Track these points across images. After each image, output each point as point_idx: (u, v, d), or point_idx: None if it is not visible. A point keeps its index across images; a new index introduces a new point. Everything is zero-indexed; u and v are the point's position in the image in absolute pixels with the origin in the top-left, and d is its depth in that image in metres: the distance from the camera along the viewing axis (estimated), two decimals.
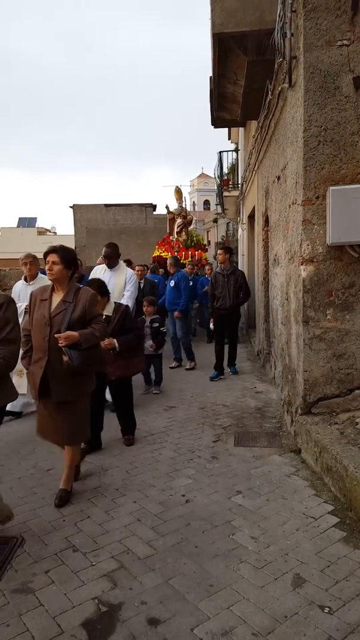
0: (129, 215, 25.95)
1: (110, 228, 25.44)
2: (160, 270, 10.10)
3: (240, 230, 13.48)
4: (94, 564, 2.55)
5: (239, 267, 12.31)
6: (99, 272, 5.40)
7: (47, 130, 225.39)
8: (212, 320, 6.97)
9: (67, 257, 3.15)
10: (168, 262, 7.92)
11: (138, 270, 7.99)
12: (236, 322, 7.10)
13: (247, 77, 5.74)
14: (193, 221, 14.90)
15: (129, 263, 8.00)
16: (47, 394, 3.09)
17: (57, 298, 3.16)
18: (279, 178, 5.13)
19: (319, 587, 2.30)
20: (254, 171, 8.23)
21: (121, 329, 4.01)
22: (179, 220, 13.07)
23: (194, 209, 52.33)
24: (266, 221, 6.65)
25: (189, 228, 13.47)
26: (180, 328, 7.39)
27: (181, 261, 11.06)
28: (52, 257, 3.11)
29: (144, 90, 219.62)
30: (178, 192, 13.77)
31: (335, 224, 3.63)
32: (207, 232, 35.52)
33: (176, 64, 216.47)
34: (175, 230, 13.08)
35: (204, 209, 55.60)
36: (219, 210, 18.69)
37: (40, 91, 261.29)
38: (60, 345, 2.95)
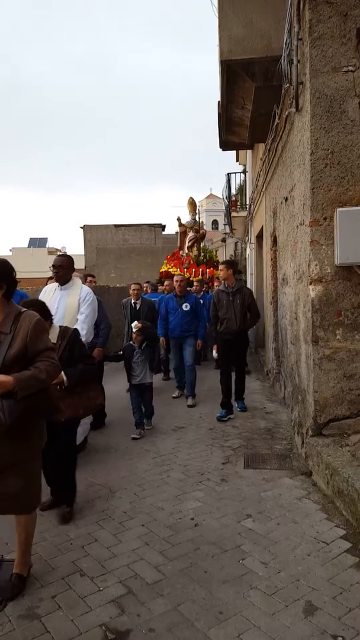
0: (139, 235, 26.29)
1: (120, 248, 25.76)
2: None
3: (248, 250, 13.46)
4: (101, 589, 2.51)
5: (248, 286, 12.32)
6: (49, 292, 4.44)
7: (59, 150, 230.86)
8: (215, 347, 6.11)
9: None
10: (180, 280, 6.68)
11: (133, 290, 6.91)
12: (244, 348, 6.23)
13: (254, 102, 5.87)
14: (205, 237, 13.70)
15: (85, 279, 6.19)
16: None
17: None
18: (286, 199, 5.18)
19: (332, 615, 2.24)
20: (261, 192, 8.32)
21: (69, 359, 3.23)
22: (190, 234, 12.13)
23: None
24: (274, 241, 6.69)
25: (201, 243, 12.40)
26: (192, 354, 6.68)
27: (190, 279, 10.41)
28: None
29: (154, 112, 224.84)
30: (192, 204, 12.73)
31: (343, 244, 3.66)
32: (216, 251, 35.73)
33: (186, 88, 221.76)
34: (187, 244, 12.11)
35: (213, 228, 55.97)
36: (227, 230, 18.69)
37: (52, 112, 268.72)
38: None
